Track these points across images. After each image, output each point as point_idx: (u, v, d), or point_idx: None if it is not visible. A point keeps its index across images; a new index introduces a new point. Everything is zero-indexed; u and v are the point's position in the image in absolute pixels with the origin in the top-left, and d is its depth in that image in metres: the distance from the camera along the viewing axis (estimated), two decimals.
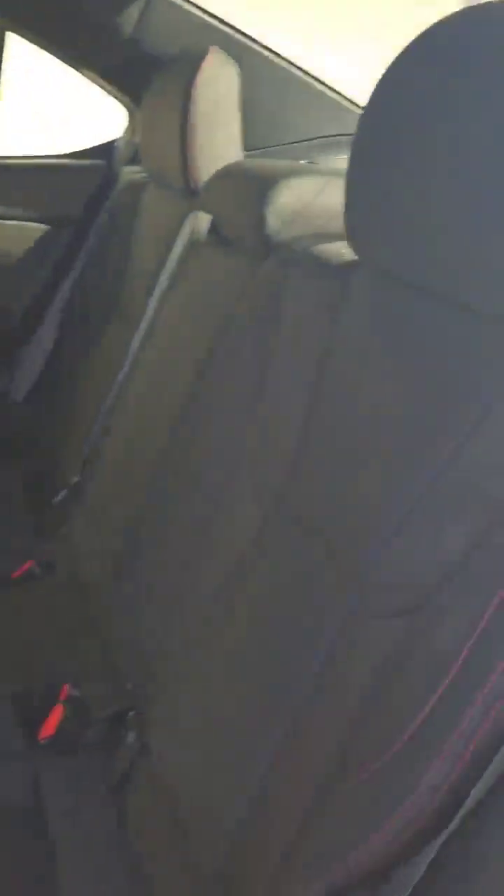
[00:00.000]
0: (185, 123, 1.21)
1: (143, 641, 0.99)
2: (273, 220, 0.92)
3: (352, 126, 1.61)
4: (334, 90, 1.58)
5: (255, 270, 0.97)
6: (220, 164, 1.22)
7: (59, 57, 1.50)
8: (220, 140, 1.23)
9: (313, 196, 0.93)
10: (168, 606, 0.92)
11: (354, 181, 0.73)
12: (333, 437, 0.77)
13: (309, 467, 0.80)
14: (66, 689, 1.03)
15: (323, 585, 0.72)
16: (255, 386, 0.88)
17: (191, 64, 1.23)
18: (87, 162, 1.68)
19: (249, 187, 0.96)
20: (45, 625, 1.17)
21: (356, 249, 0.76)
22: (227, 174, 1.05)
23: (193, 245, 1.16)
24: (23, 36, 1.47)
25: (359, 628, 0.66)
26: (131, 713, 0.99)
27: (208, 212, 1.06)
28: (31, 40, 1.47)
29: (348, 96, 1.60)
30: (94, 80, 1.53)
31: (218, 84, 1.22)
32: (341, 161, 1.40)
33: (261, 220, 0.92)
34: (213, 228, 1.05)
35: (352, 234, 0.75)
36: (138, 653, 0.99)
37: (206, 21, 1.44)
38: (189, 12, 1.42)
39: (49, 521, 1.34)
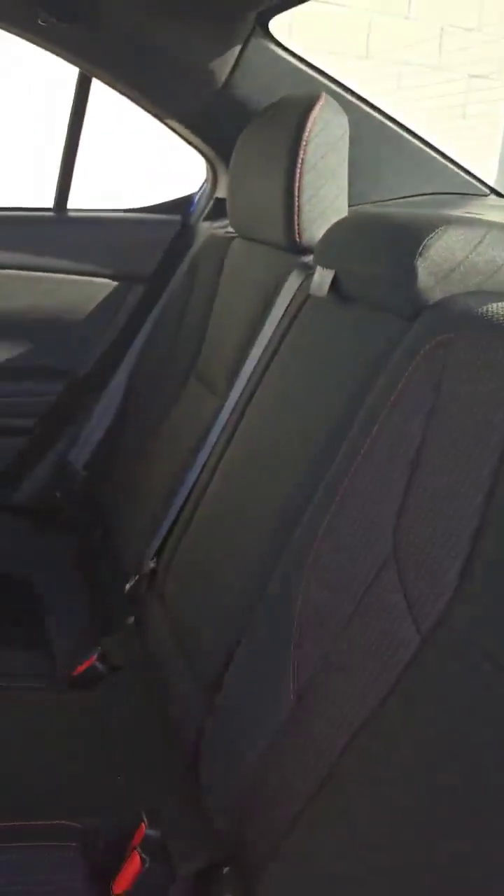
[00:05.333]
0: (292, 174, 1.09)
1: (243, 770, 0.80)
2: (425, 277, 0.77)
3: (451, 185, 1.50)
4: (434, 147, 1.47)
5: (395, 332, 0.83)
6: (329, 218, 1.09)
7: (141, 105, 1.40)
8: (329, 192, 1.11)
9: (471, 249, 0.79)
10: (284, 733, 0.75)
11: None
12: None
13: (484, 587, 0.63)
14: (143, 828, 0.85)
15: None
16: (405, 473, 0.72)
17: (297, 110, 1.11)
18: (161, 216, 1.57)
19: (394, 239, 0.82)
20: (112, 737, 0.99)
21: None
22: (356, 225, 0.92)
23: (309, 303, 1.02)
24: (103, 81, 1.37)
25: None
26: (227, 868, 0.80)
27: (328, 267, 0.92)
28: (112, 86, 1.37)
29: (447, 153, 1.49)
30: (176, 130, 1.43)
31: (328, 132, 1.10)
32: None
33: (410, 277, 0.78)
34: (334, 285, 0.92)
35: None
36: (238, 787, 0.81)
37: (304, 71, 1.34)
38: (288, 61, 1.33)
39: (116, 610, 1.18)
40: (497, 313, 0.70)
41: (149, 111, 1.39)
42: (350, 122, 1.15)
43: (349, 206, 1.18)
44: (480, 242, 0.80)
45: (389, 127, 1.42)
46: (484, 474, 0.65)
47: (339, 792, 0.69)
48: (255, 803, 0.78)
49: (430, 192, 1.49)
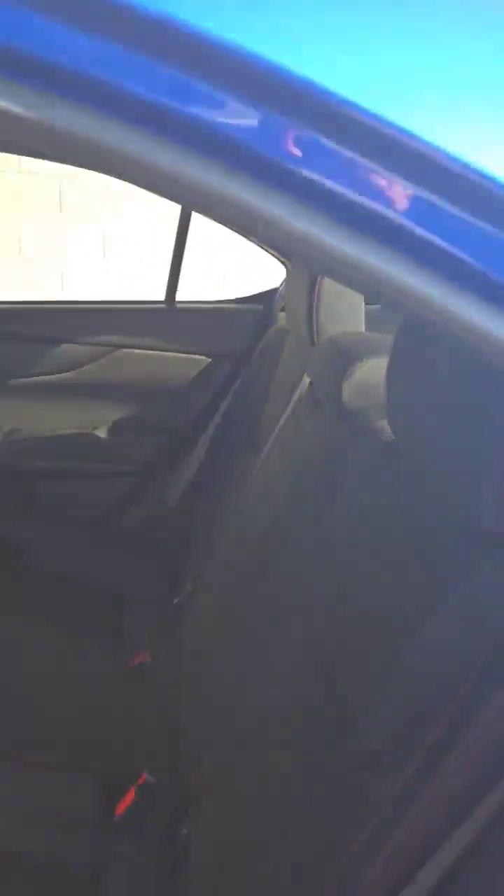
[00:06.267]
0: (314, 289, 1.40)
1: (201, 750, 1.13)
2: (347, 394, 1.06)
3: None
4: None
5: (333, 434, 1.12)
6: (340, 327, 1.39)
7: (227, 226, 1.77)
8: (343, 306, 1.41)
9: None
10: (226, 730, 1.06)
11: (395, 379, 0.85)
12: (357, 595, 0.89)
13: (339, 624, 0.90)
14: (145, 776, 1.19)
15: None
16: (319, 538, 1.01)
17: None
18: (246, 306, 1.94)
19: (335, 361, 1.11)
20: (142, 714, 1.34)
21: (394, 430, 0.88)
22: (326, 345, 1.22)
23: (300, 399, 1.33)
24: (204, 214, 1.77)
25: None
26: (190, 808, 1.12)
27: (309, 375, 1.23)
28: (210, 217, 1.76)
29: None
30: (254, 241, 1.79)
31: None
32: None
33: (338, 392, 1.07)
34: (310, 390, 1.22)
35: (390, 419, 0.87)
36: (196, 759, 1.13)
37: None
38: None
39: (167, 618, 1.53)
40: (379, 427, 0.98)
41: (231, 229, 1.77)
42: None
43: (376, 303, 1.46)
44: None
45: None
46: (352, 538, 0.93)
47: (247, 764, 0.98)
48: (203, 767, 1.10)
49: None
